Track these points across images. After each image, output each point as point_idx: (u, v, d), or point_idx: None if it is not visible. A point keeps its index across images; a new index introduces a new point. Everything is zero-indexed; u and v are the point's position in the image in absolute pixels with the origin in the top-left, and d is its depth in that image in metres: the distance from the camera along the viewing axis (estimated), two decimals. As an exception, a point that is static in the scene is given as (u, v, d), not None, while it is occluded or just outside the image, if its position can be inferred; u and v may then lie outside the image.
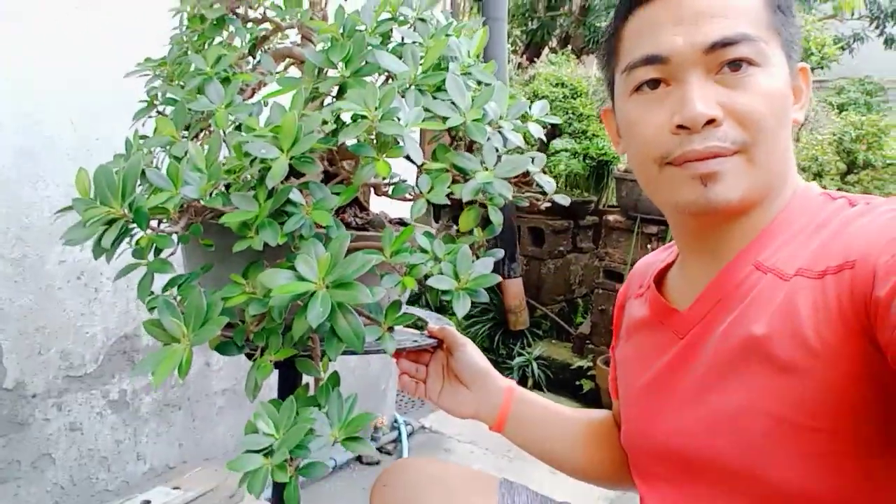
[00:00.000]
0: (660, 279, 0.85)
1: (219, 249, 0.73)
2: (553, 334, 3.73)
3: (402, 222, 0.95)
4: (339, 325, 0.63)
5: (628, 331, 0.88)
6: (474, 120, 0.73)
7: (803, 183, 0.74)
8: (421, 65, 0.75)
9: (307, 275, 0.61)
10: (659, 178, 0.71)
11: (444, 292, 0.69)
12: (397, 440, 2.39)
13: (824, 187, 0.73)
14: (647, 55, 0.68)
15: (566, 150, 3.64)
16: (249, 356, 0.71)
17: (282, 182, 0.65)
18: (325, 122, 0.68)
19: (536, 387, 3.22)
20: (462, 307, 0.68)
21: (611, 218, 3.21)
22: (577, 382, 3.13)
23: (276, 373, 0.85)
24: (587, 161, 3.74)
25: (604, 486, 1.01)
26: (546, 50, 5.90)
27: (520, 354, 3.44)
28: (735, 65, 0.65)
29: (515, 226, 3.54)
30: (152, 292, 0.70)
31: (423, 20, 0.80)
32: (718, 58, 0.65)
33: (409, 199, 0.76)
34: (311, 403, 0.68)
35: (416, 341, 0.94)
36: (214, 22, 0.85)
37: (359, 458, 2.25)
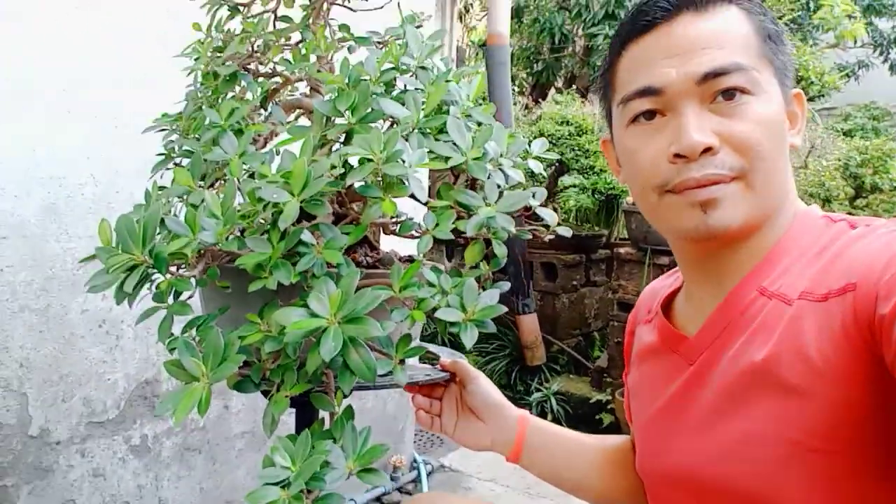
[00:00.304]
0: (667, 305, 0.86)
1: (235, 291, 0.76)
2: (570, 369, 3.72)
3: (411, 260, 0.98)
4: (352, 359, 0.65)
5: (638, 357, 0.89)
6: (475, 158, 0.76)
7: (804, 206, 0.75)
8: (423, 109, 0.79)
9: (319, 311, 0.64)
10: (659, 206, 0.72)
11: (452, 324, 0.72)
12: (417, 480, 2.38)
13: (833, 212, 0.74)
14: (642, 87, 0.70)
15: (575, 186, 3.69)
16: (265, 393, 0.74)
17: (293, 224, 0.68)
18: (333, 167, 0.72)
19: (556, 422, 3.19)
20: (469, 338, 0.71)
21: (622, 251, 3.23)
22: (597, 416, 3.11)
23: (293, 412, 0.88)
24: (596, 196, 3.78)
25: None
26: (552, 90, 6.00)
27: (538, 390, 3.44)
28: (729, 94, 0.67)
29: (528, 262, 3.56)
30: (172, 334, 0.73)
31: (424, 68, 0.84)
32: (712, 87, 0.67)
33: (417, 236, 0.79)
34: (327, 437, 0.70)
35: (428, 375, 0.96)
36: (227, 78, 0.90)
37: (378, 500, 2.24)
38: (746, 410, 0.66)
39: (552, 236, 0.87)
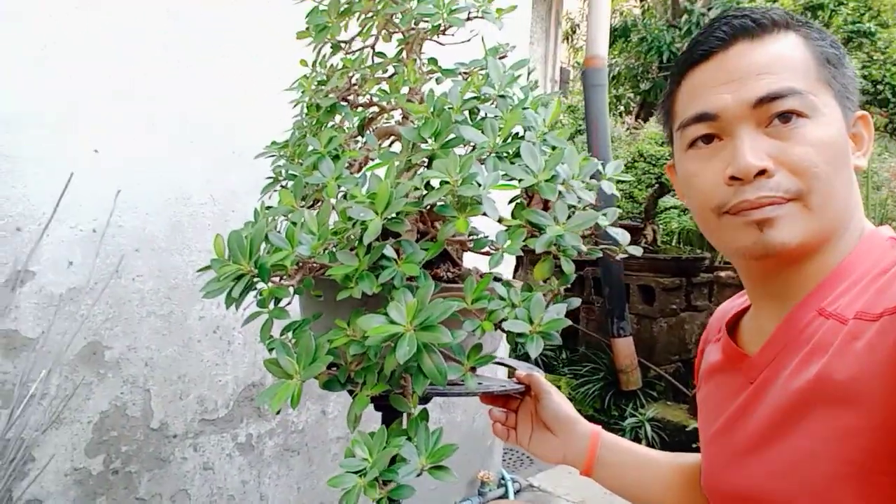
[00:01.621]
0: (735, 324, 0.88)
1: (327, 299, 0.85)
2: (668, 395, 3.62)
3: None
4: (425, 363, 0.72)
5: (706, 375, 0.91)
6: (546, 180, 0.81)
7: (871, 227, 0.75)
8: (500, 135, 0.85)
9: (397, 319, 0.71)
10: (718, 227, 0.75)
11: (519, 335, 0.77)
12: (504, 497, 2.41)
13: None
14: (699, 113, 0.74)
15: (675, 208, 3.61)
16: (351, 393, 0.81)
17: (378, 240, 0.76)
18: (416, 189, 0.79)
19: (650, 450, 3.12)
20: (535, 349, 0.75)
21: (723, 274, 3.14)
22: (694, 444, 3.01)
23: (379, 417, 0.95)
24: (698, 218, 3.68)
25: None
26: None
27: (632, 415, 3.37)
28: (784, 117, 0.69)
29: (624, 284, 3.52)
30: (272, 336, 0.82)
31: (503, 96, 0.91)
32: (767, 111, 0.69)
33: (491, 253, 0.85)
34: (402, 434, 0.76)
35: (503, 386, 1.01)
36: (328, 109, 1.00)
37: (466, 513, 2.29)
38: (801, 429, 0.67)
39: (624, 255, 0.90)
